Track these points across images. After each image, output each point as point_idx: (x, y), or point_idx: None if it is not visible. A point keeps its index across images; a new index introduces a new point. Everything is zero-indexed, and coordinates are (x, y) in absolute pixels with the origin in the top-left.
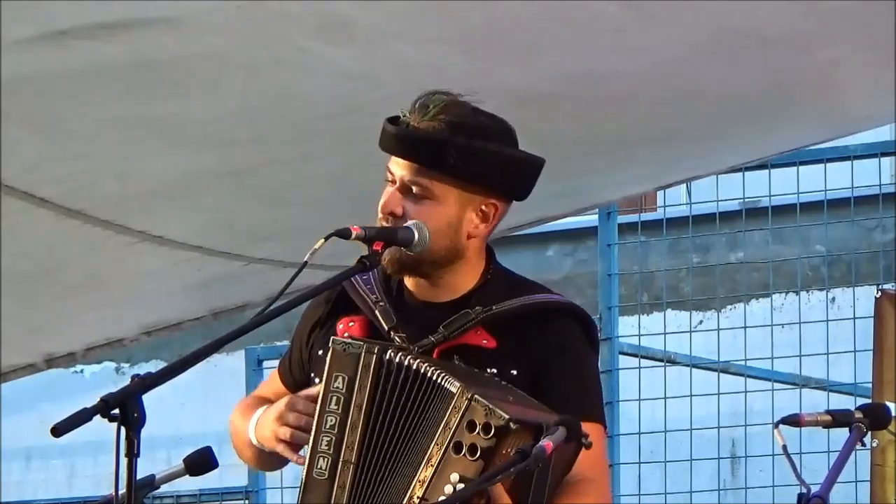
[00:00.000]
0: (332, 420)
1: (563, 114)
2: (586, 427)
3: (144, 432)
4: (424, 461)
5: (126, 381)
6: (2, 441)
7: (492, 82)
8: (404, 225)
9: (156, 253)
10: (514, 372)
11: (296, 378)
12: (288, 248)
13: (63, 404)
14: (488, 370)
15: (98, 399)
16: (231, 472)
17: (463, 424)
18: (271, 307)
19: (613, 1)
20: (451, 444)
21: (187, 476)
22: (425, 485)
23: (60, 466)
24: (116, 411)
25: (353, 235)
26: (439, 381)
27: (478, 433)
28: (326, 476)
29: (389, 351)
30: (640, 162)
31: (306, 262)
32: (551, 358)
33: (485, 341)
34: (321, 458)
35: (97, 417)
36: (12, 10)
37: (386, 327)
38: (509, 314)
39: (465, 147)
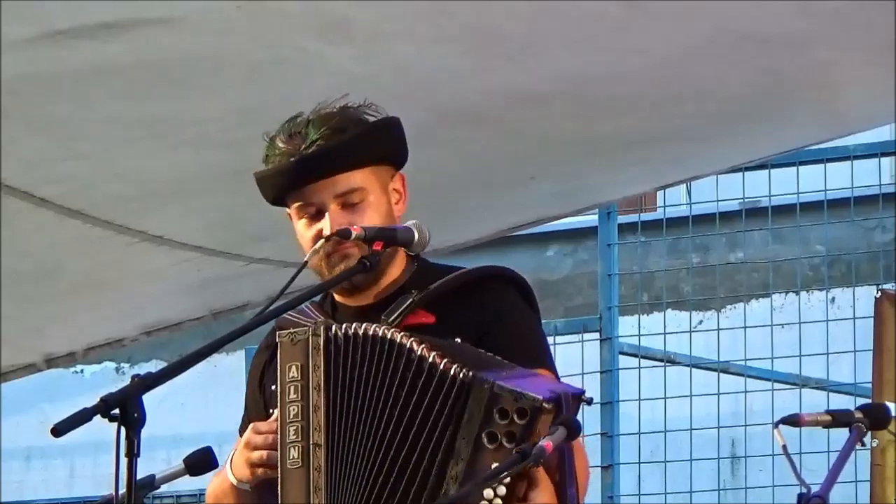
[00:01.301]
0: (294, 409)
1: (563, 114)
2: (541, 373)
3: (144, 432)
4: (455, 456)
5: (126, 381)
6: (2, 441)
7: (492, 82)
8: (404, 225)
9: (156, 253)
10: (458, 340)
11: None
12: (288, 248)
13: (63, 404)
14: None
15: (98, 399)
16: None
17: (492, 414)
18: (271, 307)
19: (613, 1)
20: (484, 436)
21: (187, 476)
22: (461, 479)
23: (60, 466)
24: (116, 411)
25: (353, 235)
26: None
27: (512, 420)
28: (300, 464)
29: (334, 327)
30: (640, 162)
31: (306, 262)
32: (489, 320)
33: (424, 319)
34: (292, 448)
35: (97, 417)
36: (12, 10)
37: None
38: (444, 289)
39: (358, 134)
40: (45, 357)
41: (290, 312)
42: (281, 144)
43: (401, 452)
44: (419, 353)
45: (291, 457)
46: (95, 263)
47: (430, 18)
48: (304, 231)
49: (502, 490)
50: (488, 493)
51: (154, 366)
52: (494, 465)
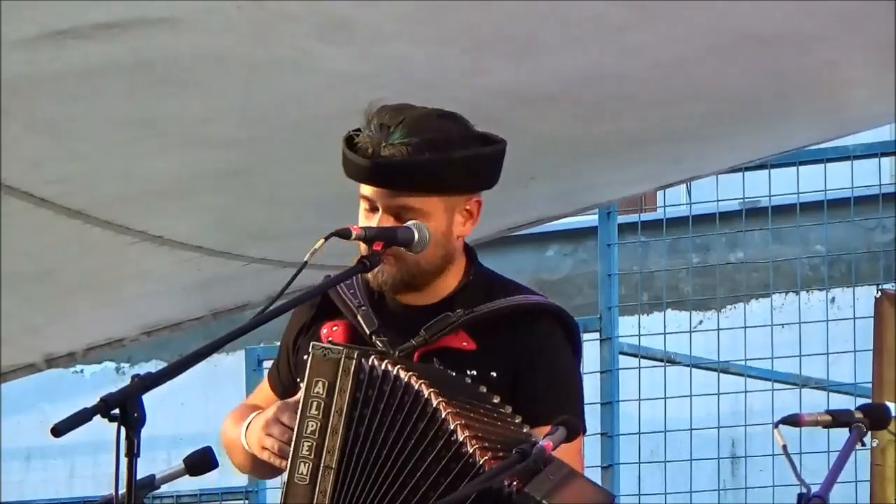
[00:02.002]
0: (312, 425)
1: (563, 114)
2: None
3: (144, 432)
4: None
5: (126, 381)
6: (2, 441)
7: (492, 82)
8: (403, 225)
9: (156, 253)
10: (494, 374)
11: (284, 384)
12: (288, 248)
13: (63, 404)
14: (468, 372)
15: (98, 399)
16: (231, 472)
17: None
18: (271, 307)
19: (613, 1)
20: None
21: (187, 476)
22: None
23: (60, 466)
24: (116, 411)
25: (353, 235)
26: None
27: None
28: (307, 481)
29: (373, 357)
30: (640, 162)
31: (306, 262)
32: (529, 360)
33: (465, 343)
34: (302, 463)
35: (97, 417)
36: (12, 10)
37: (368, 331)
38: (489, 316)
39: (440, 162)
40: (45, 357)
41: (343, 288)
42: (369, 127)
43: None
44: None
45: (300, 471)
46: (95, 263)
47: (430, 18)
48: (361, 218)
49: None
50: None
51: (154, 366)
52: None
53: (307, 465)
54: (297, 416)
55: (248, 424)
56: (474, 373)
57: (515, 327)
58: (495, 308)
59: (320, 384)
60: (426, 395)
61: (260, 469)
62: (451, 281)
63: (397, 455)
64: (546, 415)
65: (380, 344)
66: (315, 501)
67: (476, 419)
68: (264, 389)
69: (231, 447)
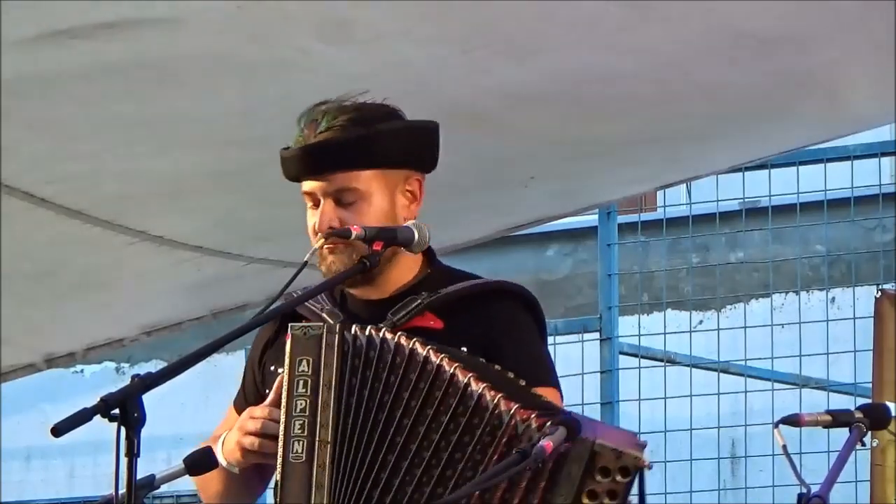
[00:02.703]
0: (301, 403)
1: (563, 114)
2: (541, 391)
3: (144, 432)
4: None
5: (126, 381)
6: (2, 441)
7: (492, 82)
8: (403, 225)
9: (156, 253)
10: (464, 349)
11: (251, 403)
12: (288, 248)
13: (63, 404)
14: None
15: (98, 399)
16: None
17: (594, 472)
18: (271, 307)
19: (613, 1)
20: (584, 495)
21: (187, 476)
22: None
23: (60, 466)
24: (116, 411)
25: (353, 235)
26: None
27: (613, 478)
28: (304, 459)
29: (354, 327)
30: (640, 162)
31: (306, 262)
32: (497, 335)
33: (432, 323)
34: (296, 442)
35: (97, 417)
36: (12, 10)
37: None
38: (455, 296)
39: (368, 135)
40: (45, 357)
41: (300, 295)
42: (300, 129)
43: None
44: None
45: (295, 451)
46: (95, 263)
47: (430, 18)
48: (308, 216)
49: None
50: None
51: (154, 366)
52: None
53: (301, 442)
54: (284, 398)
55: (223, 441)
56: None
57: (480, 305)
58: (459, 288)
59: (304, 362)
60: (424, 353)
61: (237, 489)
62: (406, 272)
63: (401, 418)
64: (530, 376)
65: None
66: (315, 478)
67: (486, 374)
68: (230, 419)
69: (203, 483)
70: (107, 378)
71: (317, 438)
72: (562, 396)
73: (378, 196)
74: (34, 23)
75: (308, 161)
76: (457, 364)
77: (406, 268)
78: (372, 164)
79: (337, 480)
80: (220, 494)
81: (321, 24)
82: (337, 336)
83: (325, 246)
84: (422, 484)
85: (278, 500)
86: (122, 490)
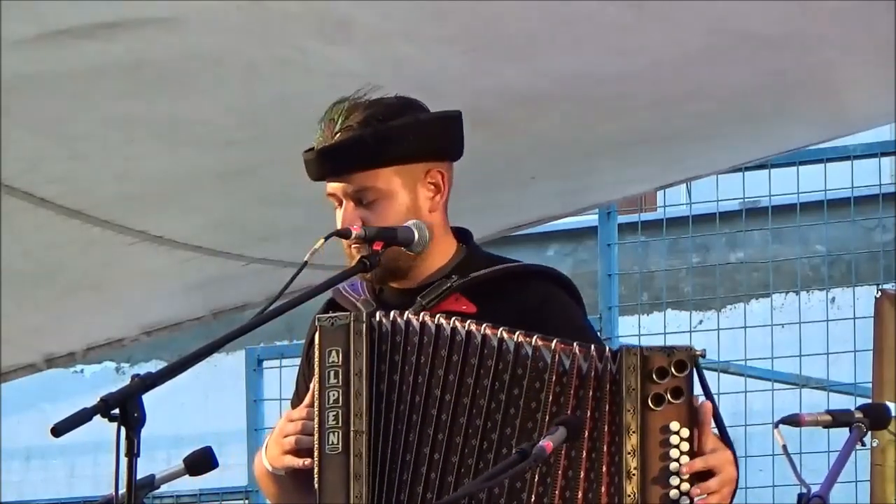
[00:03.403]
0: (334, 395)
1: (563, 114)
2: None
3: (144, 432)
4: (626, 432)
5: (126, 381)
6: (2, 441)
7: (492, 82)
8: (403, 225)
9: (156, 253)
10: None
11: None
12: (288, 248)
13: (63, 404)
14: None
15: (98, 399)
16: (231, 472)
17: (651, 377)
18: (271, 307)
19: (613, 1)
20: (650, 401)
21: (187, 476)
22: (637, 452)
23: (60, 466)
24: (116, 411)
25: (353, 235)
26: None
27: (673, 376)
28: (340, 449)
29: (380, 314)
30: (640, 162)
31: (306, 262)
32: (535, 316)
33: (464, 307)
34: (331, 434)
35: (97, 417)
36: (12, 10)
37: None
38: (486, 279)
39: (382, 132)
40: (45, 357)
41: (343, 285)
42: (319, 128)
43: (481, 442)
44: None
45: (331, 442)
46: (95, 263)
47: (430, 18)
48: (337, 218)
49: (686, 433)
50: (674, 426)
51: (154, 366)
52: (675, 425)
53: (336, 434)
54: (316, 392)
55: (266, 447)
56: None
57: (514, 289)
58: (491, 271)
59: (334, 353)
60: (450, 326)
61: (287, 490)
62: (439, 259)
63: (441, 396)
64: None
65: None
66: (352, 468)
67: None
68: None
69: (261, 483)
70: (107, 378)
71: (351, 428)
72: None
73: (400, 192)
74: (34, 23)
75: (325, 163)
76: (486, 325)
77: (439, 255)
78: (389, 161)
79: (375, 469)
80: (277, 496)
81: (321, 24)
82: (365, 324)
83: (353, 246)
84: (483, 451)
85: (317, 492)
86: (122, 490)
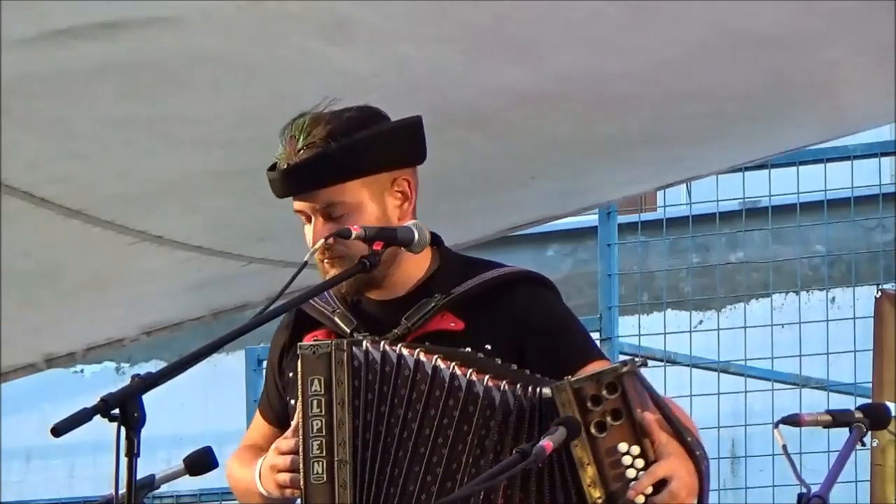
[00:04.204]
0: (317, 424)
1: (563, 114)
2: (597, 365)
3: (144, 432)
4: (579, 466)
5: (126, 381)
6: (2, 441)
7: (492, 82)
8: (403, 225)
9: (156, 253)
10: (489, 347)
11: (276, 410)
12: (288, 248)
13: (63, 404)
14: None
15: (98, 399)
16: None
17: (587, 406)
18: (271, 307)
19: (613, 1)
20: (592, 429)
21: (187, 476)
22: (597, 482)
23: (60, 466)
24: (116, 411)
25: (353, 235)
26: (471, 379)
27: (606, 400)
28: (325, 479)
29: (364, 342)
30: (640, 162)
31: (306, 262)
32: (526, 328)
33: (452, 324)
34: (316, 463)
35: (97, 417)
36: (12, 10)
37: (347, 330)
38: (470, 294)
39: (346, 145)
40: (45, 357)
41: (314, 299)
42: (281, 146)
43: (453, 477)
44: (572, 395)
45: (315, 472)
46: (95, 263)
47: (430, 18)
48: (305, 231)
49: (636, 450)
50: (622, 447)
51: (154, 366)
52: (623, 446)
53: (321, 463)
54: (300, 421)
55: (259, 471)
56: (468, 350)
57: (499, 299)
58: (473, 285)
59: (316, 381)
60: (432, 363)
61: None
62: (416, 269)
63: (418, 430)
64: (572, 361)
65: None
66: (337, 496)
67: (489, 369)
68: (258, 424)
69: (244, 494)
70: (107, 378)
71: (335, 458)
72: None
73: (367, 204)
74: (34, 23)
75: (290, 182)
76: (472, 368)
77: (415, 264)
78: (354, 175)
79: (359, 499)
80: None
81: (321, 24)
82: (346, 353)
83: (326, 260)
84: (432, 485)
85: None
86: (122, 490)
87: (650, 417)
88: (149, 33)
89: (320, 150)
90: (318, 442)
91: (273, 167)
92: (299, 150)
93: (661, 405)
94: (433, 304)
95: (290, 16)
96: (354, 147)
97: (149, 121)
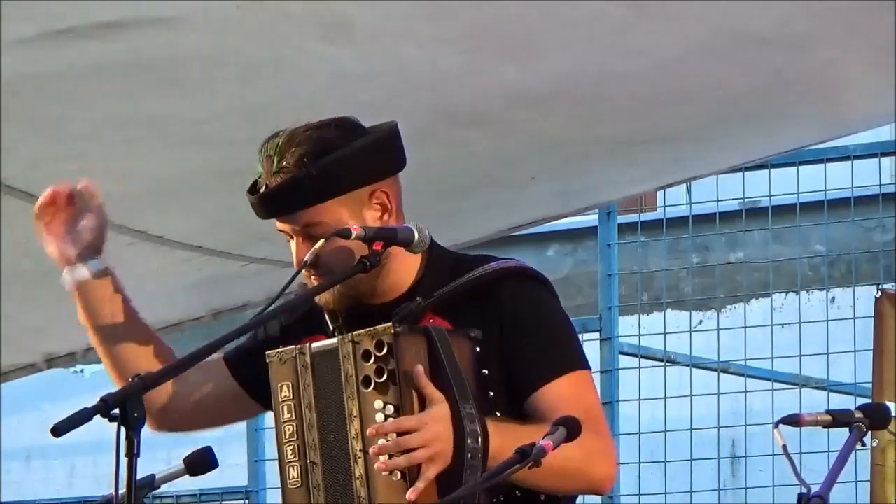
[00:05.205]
0: (290, 428)
1: (563, 114)
2: (567, 378)
3: (144, 432)
4: (348, 418)
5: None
6: (2, 441)
7: (492, 82)
8: (404, 225)
9: (156, 253)
10: (478, 350)
11: (243, 362)
12: (288, 249)
13: (63, 404)
14: None
15: (98, 399)
16: (231, 472)
17: (359, 361)
18: (271, 307)
19: (613, 1)
20: (360, 384)
21: (187, 476)
22: (359, 435)
23: (60, 466)
24: (116, 411)
25: (353, 235)
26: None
27: (374, 357)
28: (300, 483)
29: (322, 344)
30: (640, 162)
31: (307, 262)
32: (509, 324)
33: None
34: (291, 468)
35: (97, 417)
36: (12, 10)
37: (332, 327)
38: (454, 294)
39: (320, 168)
40: (45, 357)
41: (299, 296)
42: (259, 166)
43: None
44: (350, 348)
45: (291, 476)
46: None
47: (430, 18)
48: (290, 248)
49: (391, 409)
50: (378, 404)
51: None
52: (378, 403)
53: (295, 467)
54: (275, 428)
55: None
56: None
57: (485, 296)
58: (456, 286)
59: (285, 387)
60: (331, 347)
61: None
62: (405, 273)
63: (340, 419)
64: (545, 368)
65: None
66: (312, 498)
67: None
68: (215, 358)
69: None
70: (107, 378)
71: (308, 461)
72: (587, 366)
73: (346, 221)
74: (34, 23)
75: (269, 206)
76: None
77: (404, 269)
78: (331, 195)
79: (333, 498)
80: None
81: (321, 24)
82: (308, 357)
83: (313, 277)
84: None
85: None
86: (122, 490)
87: (419, 371)
88: (148, 33)
89: (294, 175)
90: (292, 447)
91: (253, 187)
92: (275, 174)
93: (446, 378)
94: (412, 308)
95: (290, 16)
96: (328, 169)
97: (149, 121)
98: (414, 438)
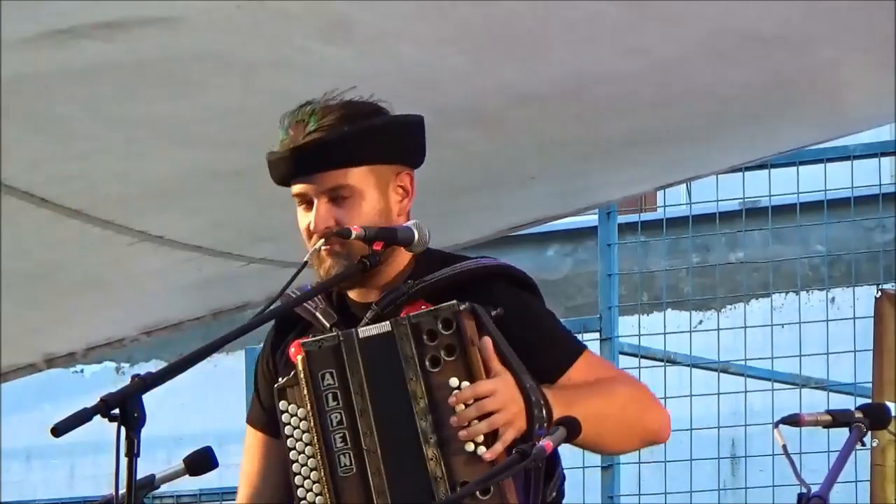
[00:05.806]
0: (336, 416)
1: (563, 114)
2: (578, 364)
3: (144, 432)
4: (413, 399)
5: (126, 381)
6: (2, 441)
7: (492, 82)
8: (403, 225)
9: (156, 253)
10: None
11: (267, 409)
12: (288, 248)
13: (63, 404)
14: None
15: (98, 399)
16: (231, 472)
17: (422, 341)
18: (271, 307)
19: (613, 1)
20: (425, 364)
21: (187, 476)
22: (426, 416)
23: (60, 466)
24: (116, 411)
25: (353, 235)
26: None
27: (440, 336)
28: (355, 470)
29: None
30: (640, 162)
31: (306, 262)
32: (506, 325)
33: (424, 308)
34: (342, 456)
35: (97, 417)
36: (12, 10)
37: (327, 325)
38: (445, 282)
39: (358, 132)
40: (45, 357)
41: (298, 296)
42: (286, 131)
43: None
44: (409, 329)
45: (343, 464)
46: (95, 263)
47: (430, 18)
48: (300, 218)
49: (466, 385)
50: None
51: (154, 366)
52: (454, 381)
53: (347, 455)
54: (312, 419)
55: None
56: None
57: (477, 291)
58: (448, 274)
59: (328, 375)
60: (386, 333)
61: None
62: (394, 272)
63: (402, 403)
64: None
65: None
66: (373, 485)
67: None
68: (253, 441)
69: None
70: (107, 378)
71: (363, 448)
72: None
73: (371, 192)
74: (34, 23)
75: (299, 161)
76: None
77: (395, 267)
78: (363, 161)
79: (395, 484)
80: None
81: (321, 24)
82: (354, 340)
83: (323, 248)
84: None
85: None
86: (122, 490)
87: (487, 342)
88: (148, 33)
89: (334, 132)
90: (341, 434)
91: (273, 152)
92: (309, 133)
93: (503, 352)
94: (404, 291)
95: (290, 16)
96: (367, 133)
97: (149, 121)
98: (490, 402)
